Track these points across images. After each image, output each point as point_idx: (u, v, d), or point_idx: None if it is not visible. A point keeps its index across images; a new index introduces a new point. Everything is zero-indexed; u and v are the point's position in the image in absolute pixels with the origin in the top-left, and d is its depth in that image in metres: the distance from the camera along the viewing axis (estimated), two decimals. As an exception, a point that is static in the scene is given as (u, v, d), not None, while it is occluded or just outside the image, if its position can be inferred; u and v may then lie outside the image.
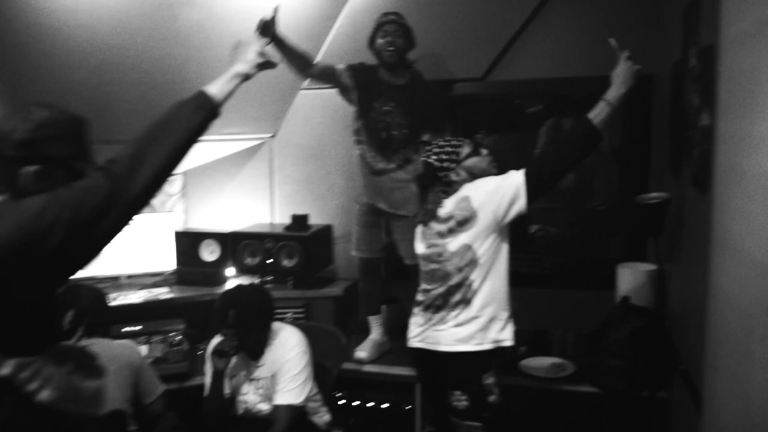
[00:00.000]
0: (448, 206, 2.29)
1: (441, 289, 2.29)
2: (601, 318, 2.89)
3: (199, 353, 3.13)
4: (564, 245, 3.69)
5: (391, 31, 2.95)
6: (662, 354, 2.67)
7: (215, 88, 1.69)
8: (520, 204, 2.20)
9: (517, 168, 2.26)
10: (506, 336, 2.30)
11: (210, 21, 3.06)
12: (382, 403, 3.06)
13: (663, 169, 3.08)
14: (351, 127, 3.15)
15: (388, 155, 3.04)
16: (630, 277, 2.86)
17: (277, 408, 2.45)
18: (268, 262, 3.32)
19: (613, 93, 2.21)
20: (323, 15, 3.31)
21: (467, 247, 2.24)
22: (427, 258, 2.35)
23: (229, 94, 1.74)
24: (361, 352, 3.13)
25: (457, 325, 2.27)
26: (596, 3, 3.20)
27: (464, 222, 2.23)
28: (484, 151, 2.37)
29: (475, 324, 2.26)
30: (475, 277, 2.25)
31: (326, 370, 2.62)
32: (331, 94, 3.47)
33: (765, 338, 1.19)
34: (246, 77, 1.79)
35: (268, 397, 2.48)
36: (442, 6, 3.27)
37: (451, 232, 2.26)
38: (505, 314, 2.30)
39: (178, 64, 3.06)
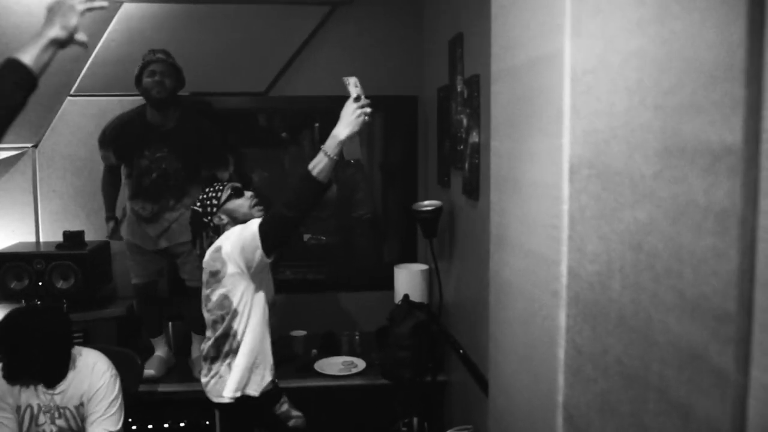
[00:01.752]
0: (207, 256, 2.27)
1: (212, 339, 2.27)
2: (382, 316, 3.16)
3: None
4: (336, 252, 3.94)
5: (159, 70, 2.86)
6: (439, 342, 3.02)
7: (29, 58, 1.50)
8: (259, 254, 2.13)
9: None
10: (266, 382, 2.29)
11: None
12: (180, 422, 2.97)
13: (429, 180, 3.47)
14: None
15: (161, 196, 2.98)
16: (406, 277, 3.18)
17: None
18: (39, 284, 3.01)
19: (330, 141, 2.09)
20: (95, 18, 3.11)
21: (224, 296, 2.21)
22: (204, 305, 2.32)
23: (46, 65, 1.55)
24: (149, 370, 3.01)
25: (231, 375, 2.24)
26: (367, 28, 3.49)
27: (216, 273, 2.21)
28: (248, 194, 2.37)
29: (245, 372, 2.24)
30: (237, 326, 2.23)
31: (122, 394, 2.48)
32: (104, 101, 3.29)
33: (548, 317, 1.47)
34: (63, 45, 1.59)
35: (72, 429, 2.28)
36: (225, 19, 3.30)
37: (209, 283, 2.25)
38: (268, 362, 2.29)
39: None
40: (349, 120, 2.09)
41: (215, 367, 2.27)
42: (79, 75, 3.27)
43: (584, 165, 1.30)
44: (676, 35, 0.96)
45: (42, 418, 2.26)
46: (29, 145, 3.36)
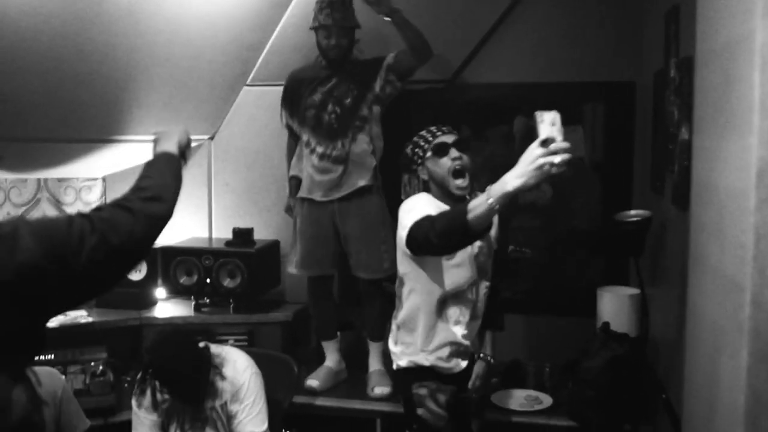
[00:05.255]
0: None
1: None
2: (580, 346, 3.17)
3: (125, 386, 3.28)
4: (541, 268, 3.98)
5: (335, 32, 3.25)
6: (644, 384, 2.96)
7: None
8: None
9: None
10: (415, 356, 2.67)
11: (141, 4, 3.24)
12: (337, 441, 3.27)
13: (645, 185, 3.41)
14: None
15: (339, 131, 3.31)
16: (611, 302, 3.14)
17: None
18: (207, 281, 3.50)
19: (497, 187, 1.97)
20: (273, 3, 3.52)
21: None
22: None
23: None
24: (313, 381, 3.33)
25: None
26: (574, 4, 3.52)
27: None
28: (454, 153, 2.55)
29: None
30: (400, 289, 2.63)
31: (276, 402, 2.80)
32: (279, 91, 3.66)
33: (733, 355, 1.46)
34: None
35: (217, 430, 2.65)
36: (408, 3, 3.53)
37: None
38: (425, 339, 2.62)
39: (102, 52, 3.21)
40: (526, 169, 1.89)
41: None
42: (255, 64, 3.71)
43: (769, 169, 1.29)
44: None
45: (187, 424, 2.64)
46: (206, 137, 3.89)
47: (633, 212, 2.93)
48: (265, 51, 3.66)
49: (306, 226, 3.39)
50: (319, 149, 3.35)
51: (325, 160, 3.33)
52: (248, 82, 3.79)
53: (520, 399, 3.22)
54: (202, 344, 2.67)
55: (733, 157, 1.50)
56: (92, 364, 3.23)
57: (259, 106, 3.81)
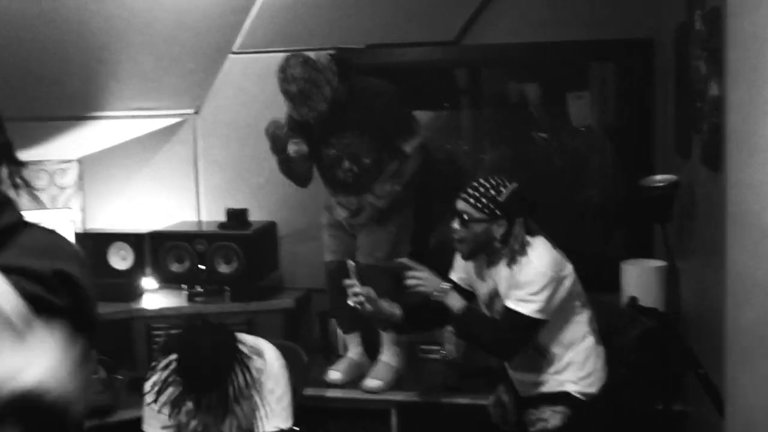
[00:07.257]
0: None
1: None
2: (603, 323, 3.26)
3: (116, 384, 3.35)
4: (557, 242, 4.06)
5: (309, 104, 3.13)
6: (676, 360, 3.06)
7: None
8: None
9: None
10: None
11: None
12: (348, 436, 3.36)
13: (668, 148, 3.50)
14: None
15: (361, 185, 3.38)
16: (636, 276, 3.24)
17: None
18: (201, 268, 3.56)
19: None
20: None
21: None
22: None
23: None
24: (335, 373, 3.42)
25: None
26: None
27: None
28: None
29: None
30: None
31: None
32: (270, 59, 3.71)
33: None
34: None
35: (240, 425, 2.72)
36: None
37: None
38: None
39: (76, 20, 3.22)
40: None
41: None
42: (242, 29, 3.73)
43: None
44: None
45: (210, 419, 2.70)
46: (191, 111, 3.94)
47: (659, 177, 3.02)
48: (253, 15, 3.69)
49: (327, 215, 3.55)
50: (344, 203, 3.46)
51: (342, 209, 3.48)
52: (235, 49, 3.82)
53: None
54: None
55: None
56: (81, 362, 3.29)
57: (248, 75, 3.84)
